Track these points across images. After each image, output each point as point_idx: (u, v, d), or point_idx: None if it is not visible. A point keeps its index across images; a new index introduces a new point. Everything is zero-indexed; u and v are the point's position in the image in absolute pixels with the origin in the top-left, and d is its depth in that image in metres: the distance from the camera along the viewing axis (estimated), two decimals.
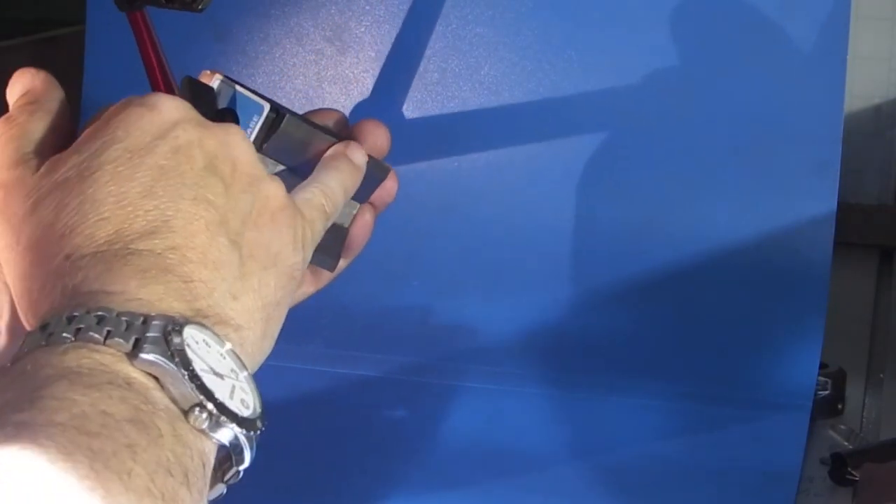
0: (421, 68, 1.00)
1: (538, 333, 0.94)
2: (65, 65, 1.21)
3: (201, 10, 0.65)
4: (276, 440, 0.83)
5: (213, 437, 0.42)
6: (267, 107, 0.59)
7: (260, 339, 0.49)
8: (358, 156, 0.59)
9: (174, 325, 0.42)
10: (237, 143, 0.50)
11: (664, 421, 0.85)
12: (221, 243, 0.47)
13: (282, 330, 0.92)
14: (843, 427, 0.86)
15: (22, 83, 0.55)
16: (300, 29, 1.01)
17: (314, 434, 0.84)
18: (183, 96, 0.58)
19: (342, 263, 0.63)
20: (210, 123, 0.50)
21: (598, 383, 0.89)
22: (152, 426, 0.39)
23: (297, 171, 0.60)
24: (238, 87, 0.60)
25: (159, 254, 0.45)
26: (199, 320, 0.44)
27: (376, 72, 0.99)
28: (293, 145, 0.60)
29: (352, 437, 0.84)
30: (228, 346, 0.45)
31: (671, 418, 0.86)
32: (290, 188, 0.60)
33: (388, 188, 0.65)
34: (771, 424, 0.84)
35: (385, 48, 1.00)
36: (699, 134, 0.94)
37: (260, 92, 0.61)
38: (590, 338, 0.93)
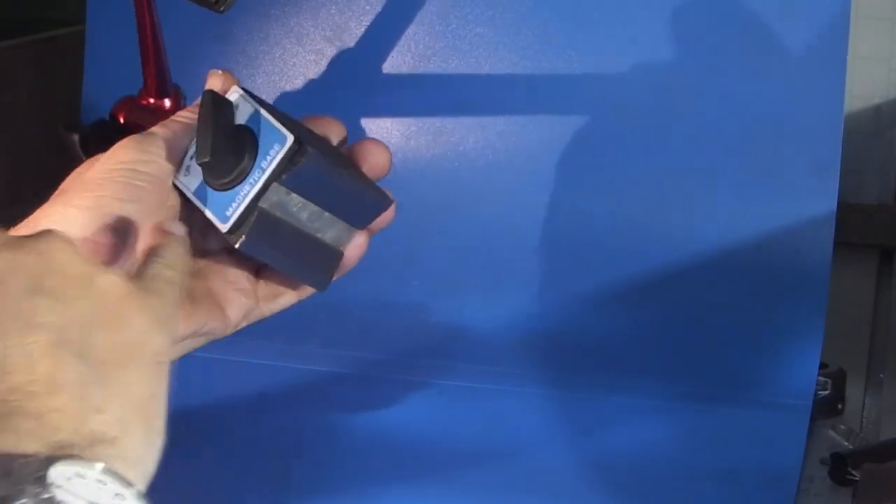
0: (421, 68, 1.00)
1: (538, 333, 0.94)
2: (65, 65, 1.22)
3: (222, 12, 0.64)
4: (277, 440, 0.83)
5: None
6: (290, 139, 0.58)
7: (143, 440, 0.45)
8: (176, 227, 0.57)
9: (36, 471, 0.39)
10: (57, 249, 0.46)
11: (664, 421, 0.85)
12: (67, 362, 0.43)
13: (281, 330, 0.93)
14: (843, 427, 0.86)
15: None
16: (300, 29, 1.01)
17: (313, 434, 0.84)
18: (202, 110, 0.58)
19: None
20: (21, 239, 0.46)
21: (598, 383, 0.89)
22: None
23: (324, 208, 0.61)
24: (262, 110, 0.60)
25: (1, 401, 0.41)
26: (64, 454, 0.41)
27: (376, 72, 0.99)
28: (317, 180, 0.60)
29: (351, 436, 0.84)
30: (100, 465, 0.41)
31: (671, 418, 0.86)
32: (317, 229, 0.61)
33: (386, 218, 0.64)
34: (771, 424, 0.84)
35: (385, 48, 1.00)
36: (699, 134, 0.94)
37: (281, 112, 0.61)
38: (590, 338, 0.93)
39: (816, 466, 0.81)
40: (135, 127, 0.67)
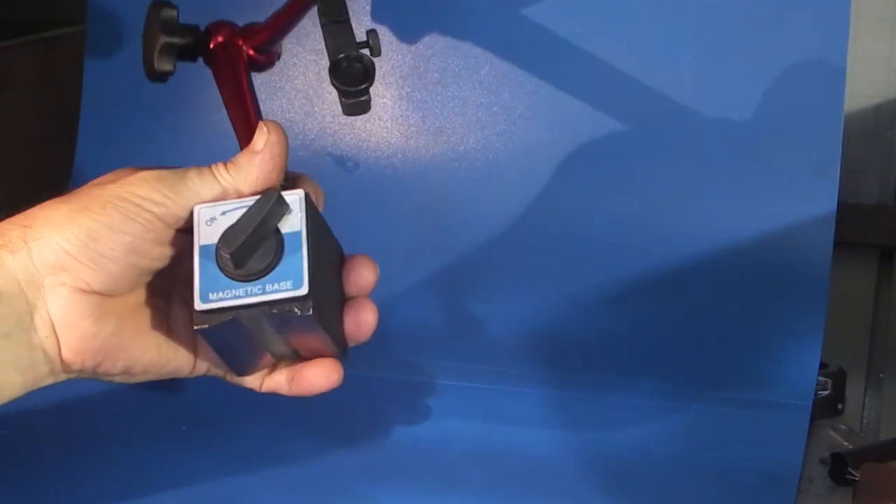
0: (421, 68, 1.00)
1: (538, 333, 0.94)
2: (65, 65, 1.22)
3: None
4: (276, 440, 0.83)
5: None
6: (303, 292, 0.61)
7: None
8: None
9: None
10: None
11: (664, 421, 0.85)
12: None
13: None
14: (843, 427, 0.86)
15: None
16: (300, 29, 1.01)
17: (312, 433, 0.84)
18: (261, 202, 0.59)
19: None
20: None
21: (598, 383, 0.89)
22: None
23: (291, 346, 0.65)
24: (304, 234, 0.62)
25: None
26: None
27: (376, 71, 0.99)
28: (300, 330, 0.63)
29: (350, 436, 0.84)
30: None
31: (671, 418, 0.86)
32: (273, 349, 0.64)
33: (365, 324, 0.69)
34: (771, 424, 0.84)
35: (385, 48, 1.00)
36: (699, 134, 0.94)
37: (324, 231, 0.66)
38: (590, 337, 0.93)
39: (816, 466, 0.81)
40: None
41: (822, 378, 0.88)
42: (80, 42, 1.07)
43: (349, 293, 0.69)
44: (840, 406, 0.88)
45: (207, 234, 0.61)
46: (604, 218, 0.96)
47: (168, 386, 0.90)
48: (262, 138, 0.65)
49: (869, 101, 1.20)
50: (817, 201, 0.91)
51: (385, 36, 0.99)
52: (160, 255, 0.64)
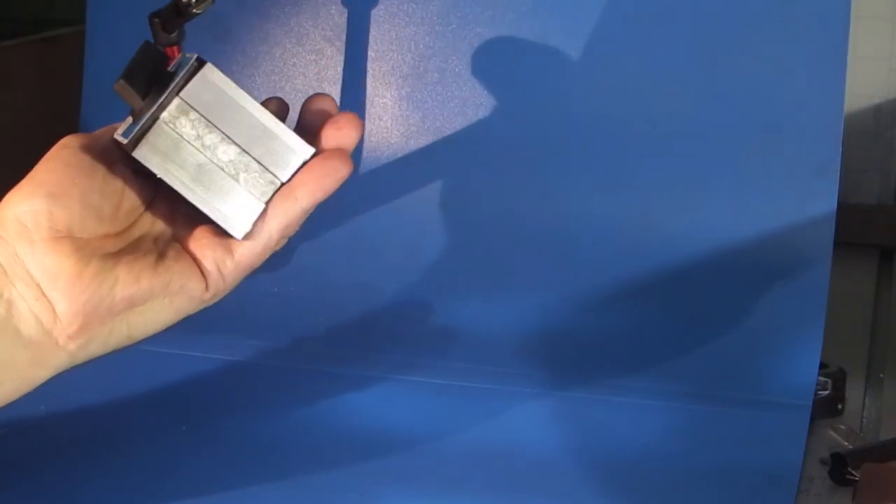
0: (421, 68, 1.00)
1: (538, 333, 0.94)
2: (65, 65, 1.22)
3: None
4: (276, 440, 0.83)
5: None
6: (194, 57, 0.61)
7: None
8: None
9: None
10: None
11: (664, 421, 0.85)
12: None
13: (280, 329, 0.93)
14: (843, 427, 0.86)
15: None
16: (300, 29, 1.01)
17: (312, 433, 0.84)
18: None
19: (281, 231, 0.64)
20: None
21: (598, 383, 0.89)
22: None
23: (233, 140, 0.62)
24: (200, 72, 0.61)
25: None
26: None
27: (376, 72, 0.99)
28: (219, 100, 0.61)
29: (350, 436, 0.84)
30: None
31: (671, 418, 0.86)
32: (230, 168, 0.62)
33: (324, 181, 0.64)
34: (771, 424, 0.84)
35: (385, 48, 1.00)
36: (699, 134, 0.94)
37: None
38: (589, 338, 0.93)
39: (816, 466, 0.81)
40: None
41: (822, 378, 0.88)
42: (80, 42, 1.07)
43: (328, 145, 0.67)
44: (840, 406, 0.88)
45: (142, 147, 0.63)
46: (604, 218, 0.96)
47: (168, 386, 0.90)
48: None
49: (869, 101, 1.20)
50: (817, 201, 0.91)
51: (385, 36, 1.00)
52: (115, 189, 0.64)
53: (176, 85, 0.62)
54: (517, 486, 0.77)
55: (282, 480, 0.78)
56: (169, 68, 0.64)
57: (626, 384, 0.89)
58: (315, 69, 1.02)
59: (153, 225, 0.67)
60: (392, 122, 1.00)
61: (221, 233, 0.65)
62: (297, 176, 0.64)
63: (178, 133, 0.62)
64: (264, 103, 0.66)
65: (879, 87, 1.19)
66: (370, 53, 0.99)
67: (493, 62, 0.98)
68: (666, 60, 0.95)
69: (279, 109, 0.67)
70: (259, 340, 0.96)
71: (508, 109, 0.98)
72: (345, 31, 1.00)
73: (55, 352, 0.63)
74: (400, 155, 1.00)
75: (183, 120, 0.62)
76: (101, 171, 0.64)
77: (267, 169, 0.63)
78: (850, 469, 0.78)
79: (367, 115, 1.01)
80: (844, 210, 0.92)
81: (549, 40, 0.97)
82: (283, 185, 0.64)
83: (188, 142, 0.62)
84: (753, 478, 0.78)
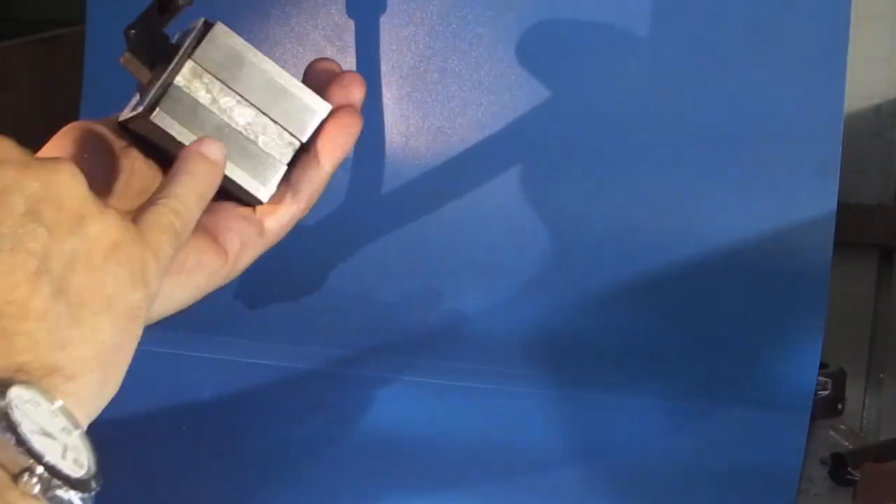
0: (421, 68, 1.00)
1: (538, 333, 0.94)
2: (65, 65, 1.22)
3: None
4: (276, 440, 0.83)
5: (46, 502, 0.41)
6: (201, 21, 0.59)
7: (99, 385, 0.47)
8: (214, 151, 0.55)
9: None
10: (64, 180, 0.46)
11: (664, 421, 0.85)
12: (44, 293, 0.44)
13: (281, 330, 0.92)
14: (843, 427, 0.86)
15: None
16: (300, 29, 1.01)
17: (313, 433, 0.84)
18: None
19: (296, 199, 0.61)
20: (34, 162, 0.47)
21: (598, 383, 0.89)
22: None
23: (248, 101, 0.60)
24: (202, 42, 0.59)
25: None
26: (24, 378, 0.42)
27: (376, 72, 0.99)
28: (232, 60, 0.59)
29: (350, 436, 0.84)
30: (59, 403, 0.43)
31: (671, 418, 0.86)
32: (249, 131, 0.60)
33: (340, 137, 0.61)
34: (771, 424, 0.84)
35: (385, 48, 1.00)
36: (699, 134, 0.94)
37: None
38: (590, 338, 0.93)
39: (816, 466, 0.81)
40: None
41: (822, 378, 0.88)
42: (80, 42, 1.07)
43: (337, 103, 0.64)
44: (840, 406, 0.88)
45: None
46: (604, 218, 0.96)
47: (168, 386, 0.90)
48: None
49: (869, 101, 1.20)
50: (817, 201, 0.91)
51: (385, 36, 0.99)
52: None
53: (187, 48, 0.59)
54: (517, 486, 0.77)
55: (282, 480, 0.78)
56: (173, 42, 0.62)
57: (627, 384, 0.89)
58: None
59: None
60: (392, 122, 1.00)
61: (242, 203, 0.61)
62: (314, 141, 0.61)
63: (193, 97, 0.59)
64: (317, 61, 0.64)
65: (879, 87, 1.19)
66: (370, 53, 0.99)
67: (492, 62, 0.98)
68: (666, 61, 0.95)
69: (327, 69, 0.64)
70: (259, 341, 0.96)
71: (508, 109, 0.98)
72: (345, 31, 1.00)
73: None
74: (400, 155, 1.00)
75: (197, 83, 0.59)
76: (108, 149, 0.61)
77: (286, 129, 0.61)
78: (850, 469, 0.78)
79: (367, 115, 1.01)
80: (844, 210, 0.92)
81: (549, 41, 0.97)
82: (303, 145, 0.61)
83: (204, 105, 0.59)
84: (753, 478, 0.78)
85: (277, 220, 0.61)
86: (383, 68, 1.00)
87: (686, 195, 0.94)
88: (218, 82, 0.60)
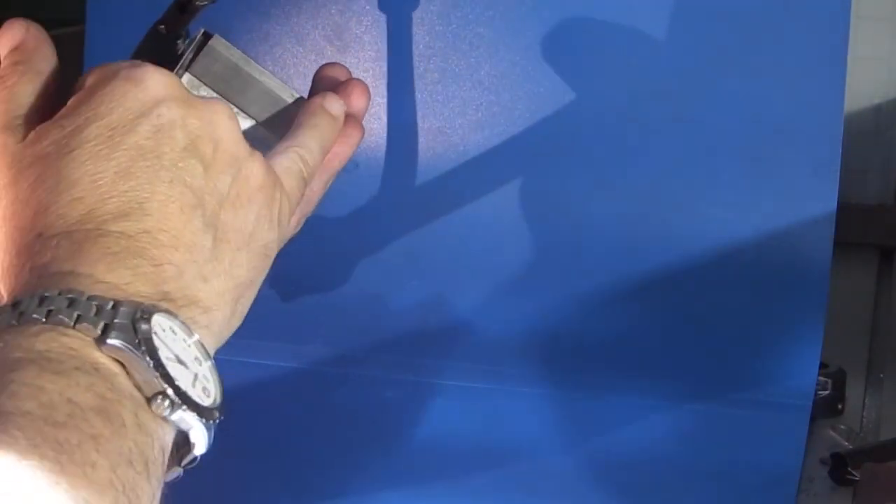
0: (421, 68, 1.00)
1: (538, 333, 0.94)
2: (65, 65, 1.21)
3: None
4: (276, 440, 0.83)
5: (172, 425, 0.42)
6: (200, 31, 0.59)
7: (228, 318, 0.49)
8: (336, 107, 0.58)
9: (143, 312, 0.42)
10: (221, 121, 0.49)
11: (664, 421, 0.85)
12: (196, 226, 0.47)
13: (282, 330, 0.93)
14: (843, 427, 0.86)
15: (12, 36, 0.53)
16: (300, 29, 1.01)
17: (313, 434, 0.84)
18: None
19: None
20: (196, 100, 0.49)
21: (598, 383, 0.89)
22: (116, 416, 0.40)
23: (245, 112, 0.60)
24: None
25: (131, 236, 0.45)
26: (167, 307, 0.44)
27: (376, 72, 0.99)
28: (229, 72, 0.60)
29: (350, 436, 0.84)
30: (196, 337, 0.45)
31: (671, 418, 0.86)
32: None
33: (339, 149, 0.61)
34: (771, 424, 0.84)
35: (385, 48, 1.00)
36: (699, 134, 0.94)
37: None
38: (590, 338, 0.93)
39: (816, 466, 0.81)
40: None
41: (822, 378, 0.88)
42: (80, 42, 1.07)
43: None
44: (840, 406, 0.88)
45: None
46: (603, 218, 0.96)
47: None
48: None
49: (869, 101, 1.20)
50: (817, 201, 0.91)
51: (385, 36, 0.99)
52: None
53: (185, 61, 0.60)
54: (517, 486, 0.77)
55: (282, 480, 0.78)
56: (178, 51, 0.62)
57: (627, 384, 0.89)
58: (315, 69, 1.01)
59: None
60: (392, 122, 1.00)
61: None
62: None
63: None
64: (324, 67, 0.64)
65: (879, 87, 1.19)
66: (370, 53, 0.99)
67: (493, 62, 0.98)
68: (666, 61, 0.95)
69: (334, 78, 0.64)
70: (259, 341, 0.96)
71: (509, 110, 0.98)
72: (345, 31, 1.00)
73: None
74: (400, 155, 1.00)
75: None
76: None
77: (265, 127, 0.62)
78: (850, 469, 0.78)
79: (367, 116, 1.01)
80: (844, 210, 0.92)
81: (550, 41, 0.97)
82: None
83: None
84: (753, 478, 0.78)
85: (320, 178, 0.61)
86: (383, 68, 1.00)
87: (686, 195, 0.94)
88: (216, 94, 0.60)
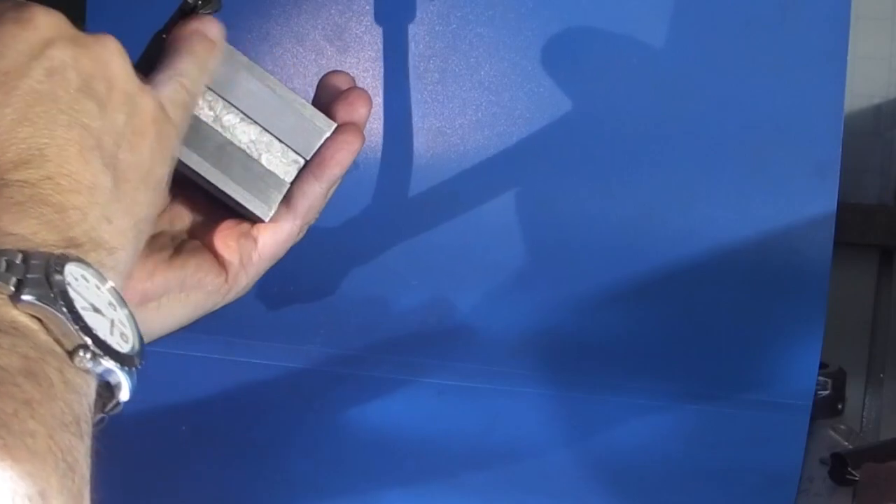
0: (421, 68, 1.00)
1: (538, 333, 0.94)
2: None
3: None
4: (276, 440, 0.83)
5: (95, 376, 0.41)
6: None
7: (132, 256, 0.48)
8: (213, 30, 0.55)
9: (55, 264, 0.41)
10: (113, 59, 0.48)
11: (664, 421, 0.85)
12: (95, 168, 0.46)
13: (282, 330, 0.92)
14: (843, 427, 0.86)
15: None
16: (300, 29, 1.01)
17: (313, 434, 0.84)
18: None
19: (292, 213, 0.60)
20: (85, 38, 0.48)
21: (598, 383, 0.89)
22: (44, 377, 0.39)
23: (252, 119, 0.59)
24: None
25: (33, 184, 0.43)
26: (76, 253, 0.43)
27: (376, 72, 0.99)
28: (237, 81, 0.59)
29: (351, 436, 0.84)
30: (110, 283, 0.44)
31: (671, 418, 0.86)
32: (252, 149, 0.59)
33: (340, 155, 0.60)
34: (771, 424, 0.84)
35: (385, 48, 1.00)
36: (699, 134, 0.94)
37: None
38: (589, 338, 0.93)
39: (816, 466, 0.81)
40: None
41: (822, 378, 0.88)
42: None
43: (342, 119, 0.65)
44: (840, 406, 0.88)
45: None
46: (604, 218, 0.96)
47: (168, 386, 0.90)
48: None
49: (869, 101, 1.20)
50: (817, 201, 0.91)
51: (385, 36, 0.99)
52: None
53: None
54: (517, 486, 0.77)
55: (282, 480, 0.78)
56: None
57: (626, 384, 0.89)
58: (315, 69, 1.02)
59: (171, 223, 0.65)
60: (392, 122, 1.00)
61: (243, 222, 0.61)
62: (313, 157, 0.60)
63: (195, 114, 0.58)
64: (329, 75, 0.63)
65: (879, 87, 1.19)
66: (370, 53, 0.99)
67: (493, 62, 0.98)
68: (666, 61, 0.95)
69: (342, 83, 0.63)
70: (259, 341, 0.96)
71: (509, 110, 0.98)
72: (345, 31, 1.00)
73: None
74: (400, 155, 1.00)
75: (200, 101, 0.58)
76: None
77: (290, 147, 0.61)
78: (850, 469, 0.78)
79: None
80: (844, 210, 0.92)
81: (550, 41, 0.97)
82: (307, 163, 0.60)
83: (206, 122, 0.59)
84: (754, 478, 0.78)
85: (273, 237, 0.61)
86: (383, 68, 1.00)
87: (686, 195, 0.94)
88: (221, 100, 0.60)
